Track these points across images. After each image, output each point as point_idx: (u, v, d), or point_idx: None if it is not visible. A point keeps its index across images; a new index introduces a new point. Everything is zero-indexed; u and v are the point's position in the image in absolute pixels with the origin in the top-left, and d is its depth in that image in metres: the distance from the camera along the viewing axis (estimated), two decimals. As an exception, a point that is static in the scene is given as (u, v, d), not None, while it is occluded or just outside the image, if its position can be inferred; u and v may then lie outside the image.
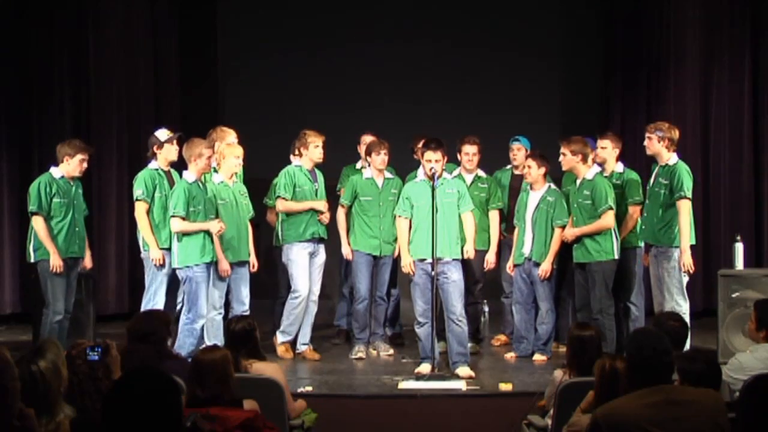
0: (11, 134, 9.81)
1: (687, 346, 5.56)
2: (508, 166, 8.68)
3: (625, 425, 3.49)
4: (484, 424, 6.59)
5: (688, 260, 7.41)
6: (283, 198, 8.06)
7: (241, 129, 8.21)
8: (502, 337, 8.71)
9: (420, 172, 7.65)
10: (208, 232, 7.36)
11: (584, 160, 7.72)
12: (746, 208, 10.12)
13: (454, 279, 7.43)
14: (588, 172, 7.72)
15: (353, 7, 10.90)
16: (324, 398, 6.68)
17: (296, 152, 8.16)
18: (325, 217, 8.10)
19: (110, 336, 6.43)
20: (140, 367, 3.17)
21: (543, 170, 7.96)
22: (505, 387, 6.96)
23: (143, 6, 10.31)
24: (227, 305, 7.71)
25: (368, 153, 8.20)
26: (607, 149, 7.87)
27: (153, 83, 10.32)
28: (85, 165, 7.56)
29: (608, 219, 7.60)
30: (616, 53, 10.42)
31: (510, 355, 8.11)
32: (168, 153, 7.72)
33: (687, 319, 6.93)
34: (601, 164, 7.85)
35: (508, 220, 8.42)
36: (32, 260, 7.52)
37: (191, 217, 7.34)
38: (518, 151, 8.56)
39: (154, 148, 7.71)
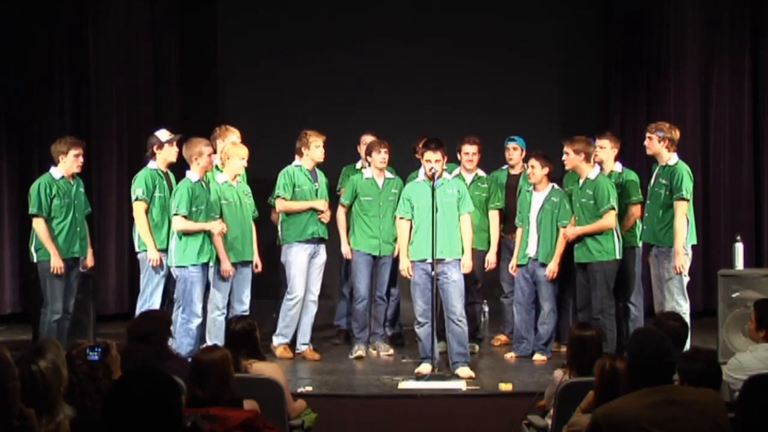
0: (11, 134, 9.82)
1: (687, 346, 5.57)
2: (505, 167, 8.68)
3: (625, 425, 3.49)
4: (484, 424, 6.60)
5: (680, 261, 7.41)
6: (283, 198, 8.06)
7: (242, 129, 8.21)
8: (502, 337, 8.71)
9: (421, 172, 7.66)
10: (208, 233, 7.36)
11: (587, 159, 7.71)
12: (746, 208, 10.11)
13: (455, 279, 7.43)
14: (591, 171, 7.72)
15: (353, 7, 10.90)
16: (324, 398, 6.69)
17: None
18: (326, 217, 8.09)
19: (110, 336, 6.44)
20: (140, 367, 3.18)
21: (546, 170, 7.95)
22: (505, 387, 6.97)
23: (143, 6, 10.31)
24: (227, 305, 7.70)
25: (368, 153, 8.20)
26: (606, 149, 7.86)
27: (153, 83, 10.30)
28: (81, 159, 7.55)
29: (610, 219, 7.59)
30: (616, 53, 10.40)
31: (510, 355, 8.11)
32: (167, 154, 7.71)
33: (687, 319, 6.94)
34: (600, 164, 7.85)
35: (507, 220, 8.42)
36: (34, 260, 7.55)
37: (193, 216, 7.33)
38: (514, 150, 8.57)
39: (154, 148, 7.70)
